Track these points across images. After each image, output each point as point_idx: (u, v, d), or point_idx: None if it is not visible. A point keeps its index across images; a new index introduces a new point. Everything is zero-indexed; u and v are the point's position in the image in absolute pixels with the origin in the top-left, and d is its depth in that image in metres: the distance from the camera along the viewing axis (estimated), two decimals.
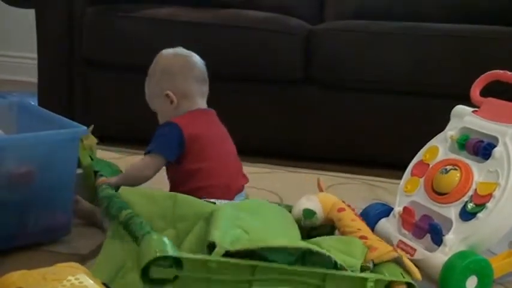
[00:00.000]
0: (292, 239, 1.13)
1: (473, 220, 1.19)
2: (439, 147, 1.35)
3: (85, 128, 1.34)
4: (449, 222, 1.22)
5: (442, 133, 1.37)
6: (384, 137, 1.99)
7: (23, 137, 1.31)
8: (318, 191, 1.35)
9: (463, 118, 1.34)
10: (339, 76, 2.00)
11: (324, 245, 1.09)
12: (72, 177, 1.35)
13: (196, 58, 1.43)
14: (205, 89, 1.42)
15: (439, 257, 1.19)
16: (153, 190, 1.24)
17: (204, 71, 1.42)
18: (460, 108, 1.37)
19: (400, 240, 1.28)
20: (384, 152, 2.00)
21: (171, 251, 0.96)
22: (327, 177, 1.85)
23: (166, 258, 0.95)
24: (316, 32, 2.02)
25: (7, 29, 3.22)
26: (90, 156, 1.46)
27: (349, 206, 1.29)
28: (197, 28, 2.03)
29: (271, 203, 1.34)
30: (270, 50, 2.00)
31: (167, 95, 1.38)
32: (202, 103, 1.41)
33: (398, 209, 1.33)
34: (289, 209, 1.34)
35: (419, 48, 1.94)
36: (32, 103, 1.71)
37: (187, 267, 0.96)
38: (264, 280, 1.01)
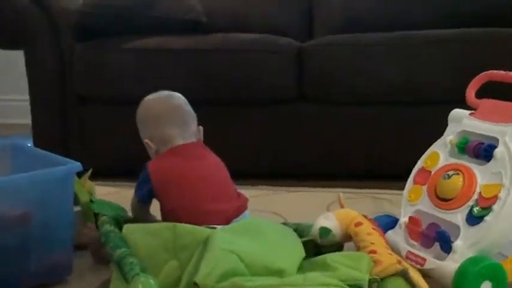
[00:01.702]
0: (293, 259, 1.11)
1: (480, 224, 1.16)
2: (440, 153, 1.32)
3: (79, 164, 1.31)
4: (456, 228, 1.20)
5: (441, 138, 1.35)
6: (382, 148, 1.98)
7: (16, 177, 1.28)
8: (339, 207, 1.34)
9: (461, 122, 1.32)
10: (332, 91, 1.99)
11: (330, 261, 1.07)
12: (69, 215, 1.33)
13: (175, 101, 1.43)
14: (187, 128, 1.40)
15: (450, 265, 1.16)
16: (154, 224, 1.25)
17: (183, 112, 1.42)
18: (456, 112, 1.35)
19: (408, 251, 1.25)
20: (385, 164, 1.98)
21: None
22: (329, 194, 1.83)
23: None
24: (306, 49, 2.01)
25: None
26: (90, 199, 1.45)
27: (368, 219, 1.27)
28: (187, 55, 2.03)
29: (272, 221, 1.32)
30: (261, 71, 2.00)
31: (146, 143, 1.41)
32: (183, 143, 1.39)
33: (403, 219, 1.31)
34: (297, 227, 1.33)
35: (410, 56, 1.94)
36: (28, 144, 1.69)
37: None
38: None
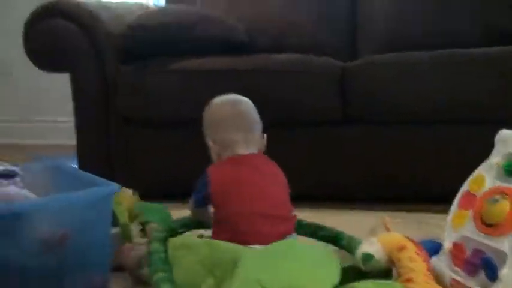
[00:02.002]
0: (323, 284, 1.07)
1: None
2: (486, 176, 1.27)
3: (117, 185, 1.31)
4: (503, 255, 1.13)
5: (487, 160, 1.29)
6: (428, 169, 1.93)
7: (54, 199, 1.28)
8: (383, 231, 1.34)
9: (509, 143, 1.26)
10: (377, 112, 1.94)
11: None
12: (107, 237, 1.32)
13: (242, 106, 1.43)
14: (250, 136, 1.40)
15: None
16: (196, 240, 1.25)
17: (248, 118, 1.41)
18: (504, 132, 1.29)
19: (453, 279, 1.20)
20: (432, 185, 1.92)
21: None
22: (373, 217, 1.79)
23: None
24: (349, 70, 1.98)
25: (41, 94, 3.31)
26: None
27: (414, 242, 1.22)
28: (229, 76, 2.02)
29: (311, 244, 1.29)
30: (304, 92, 1.97)
31: (210, 145, 1.41)
32: (245, 150, 1.38)
33: (448, 245, 1.25)
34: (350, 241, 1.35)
35: (455, 75, 1.89)
36: (71, 165, 1.70)
37: None
38: None
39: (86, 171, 2.06)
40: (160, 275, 1.17)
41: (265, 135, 1.44)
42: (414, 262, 1.17)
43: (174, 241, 1.27)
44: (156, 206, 1.57)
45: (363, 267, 1.21)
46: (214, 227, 1.31)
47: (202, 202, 1.36)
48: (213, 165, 1.37)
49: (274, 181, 1.38)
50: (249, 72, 2.01)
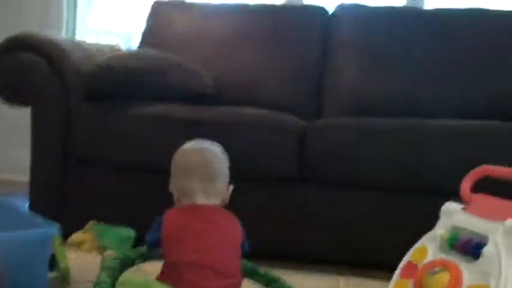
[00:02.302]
0: None
1: None
2: (428, 247, 1.27)
3: (56, 228, 1.29)
4: None
5: (431, 232, 1.30)
6: (382, 236, 1.91)
7: None
8: None
9: (453, 216, 1.27)
10: (335, 174, 1.94)
11: None
12: (44, 281, 1.29)
13: (208, 156, 1.42)
14: (211, 187, 1.39)
15: None
16: (135, 279, 1.26)
17: (212, 169, 1.40)
18: (449, 205, 1.31)
19: None
20: (382, 253, 1.90)
21: None
22: (324, 280, 1.79)
23: None
24: (311, 129, 1.98)
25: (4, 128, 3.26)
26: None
27: None
28: (190, 125, 2.01)
29: None
30: (263, 148, 1.96)
31: (171, 189, 1.42)
32: (205, 200, 1.38)
33: None
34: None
35: (417, 145, 1.89)
36: (17, 203, 1.67)
37: None
38: None
39: (37, 209, 2.07)
40: None
41: (231, 186, 1.44)
42: None
43: (120, 279, 1.26)
44: (117, 229, 1.53)
45: None
46: (163, 268, 1.32)
47: (155, 245, 1.36)
48: (169, 211, 1.37)
49: (225, 236, 1.37)
50: (212, 124, 2.01)
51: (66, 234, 1.56)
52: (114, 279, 1.27)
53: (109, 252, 1.46)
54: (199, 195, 1.37)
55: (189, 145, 1.45)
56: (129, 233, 1.53)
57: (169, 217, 1.35)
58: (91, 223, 1.51)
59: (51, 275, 1.38)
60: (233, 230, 1.39)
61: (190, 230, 1.33)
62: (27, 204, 2.13)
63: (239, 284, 1.35)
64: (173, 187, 1.41)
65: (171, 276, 1.27)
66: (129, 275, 1.30)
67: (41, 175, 2.13)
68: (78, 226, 2.07)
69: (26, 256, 1.24)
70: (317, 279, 1.81)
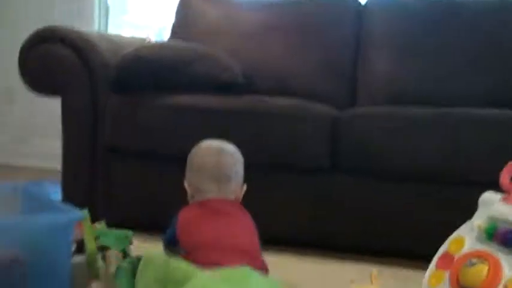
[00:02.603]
0: None
1: None
2: (466, 238, 1.22)
3: (80, 213, 1.26)
4: None
5: (468, 222, 1.24)
6: (415, 227, 1.85)
7: (10, 220, 1.23)
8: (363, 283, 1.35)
9: (491, 206, 1.21)
10: (367, 164, 1.88)
11: None
12: (68, 264, 1.27)
13: (224, 157, 1.45)
14: (226, 186, 1.43)
15: None
16: (156, 254, 1.29)
17: (227, 170, 1.44)
18: (488, 195, 1.25)
19: None
20: (416, 243, 1.85)
21: None
22: (355, 269, 1.75)
23: None
24: (342, 119, 1.93)
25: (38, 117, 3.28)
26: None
27: None
28: (218, 116, 1.98)
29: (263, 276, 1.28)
30: (293, 138, 1.92)
31: (185, 186, 1.47)
32: (217, 197, 1.43)
33: None
34: None
35: (451, 134, 1.83)
36: (42, 189, 1.66)
37: None
38: None
39: (68, 196, 2.07)
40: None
41: (244, 186, 1.47)
42: None
43: (147, 253, 1.31)
44: (115, 231, 1.53)
45: None
46: (186, 252, 1.35)
47: (172, 242, 1.40)
48: (184, 208, 1.42)
49: (241, 223, 1.40)
50: (239, 114, 1.97)
51: (95, 220, 1.56)
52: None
53: (111, 252, 1.44)
54: (213, 195, 1.42)
55: (206, 144, 1.49)
56: (127, 233, 1.55)
57: (183, 213, 1.40)
58: (96, 224, 1.50)
59: (78, 260, 1.37)
60: (248, 219, 1.42)
61: (207, 219, 1.37)
62: (59, 192, 2.12)
63: (264, 266, 1.38)
64: (188, 184, 1.46)
65: (195, 256, 1.30)
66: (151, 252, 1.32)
67: (71, 164, 2.13)
68: (107, 213, 2.08)
69: (47, 241, 1.21)
70: (345, 267, 1.79)
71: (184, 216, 1.39)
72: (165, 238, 1.44)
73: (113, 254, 1.40)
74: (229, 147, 1.48)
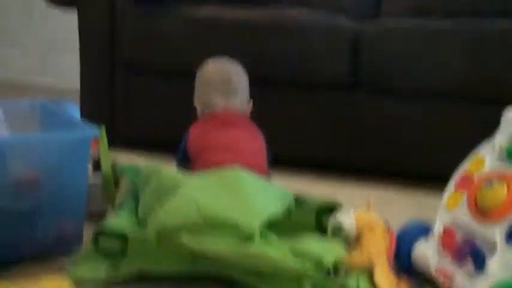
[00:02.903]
0: (259, 217, 1.11)
1: None
2: (486, 158, 1.18)
3: (97, 129, 1.25)
4: (493, 245, 1.06)
5: (490, 141, 1.20)
6: (442, 148, 1.79)
7: (27, 138, 1.23)
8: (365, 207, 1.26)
9: None
10: (389, 81, 1.82)
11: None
12: (84, 183, 1.27)
13: (228, 71, 1.52)
14: (233, 99, 1.49)
15: (480, 286, 1.03)
16: (153, 167, 1.32)
17: (232, 84, 1.50)
18: (511, 112, 1.20)
19: (438, 267, 1.12)
20: (442, 165, 1.79)
21: (115, 226, 1.15)
22: (375, 192, 1.72)
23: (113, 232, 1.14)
24: (364, 32, 1.85)
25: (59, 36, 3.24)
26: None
27: (388, 229, 1.20)
28: (238, 29, 1.93)
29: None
30: (313, 52, 1.86)
31: (195, 102, 1.54)
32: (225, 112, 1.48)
33: (438, 228, 1.17)
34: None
35: (480, 49, 1.74)
36: (60, 106, 1.65)
37: (131, 243, 1.12)
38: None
39: (87, 114, 2.06)
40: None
41: (251, 102, 1.52)
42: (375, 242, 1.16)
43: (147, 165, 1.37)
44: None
45: (330, 235, 1.20)
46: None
47: (184, 159, 1.45)
48: (193, 125, 1.48)
49: (248, 135, 1.45)
50: (260, 26, 1.92)
51: (113, 139, 1.56)
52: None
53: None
54: (221, 108, 1.47)
55: (212, 62, 1.55)
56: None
57: (193, 129, 1.47)
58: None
59: (95, 177, 1.38)
60: (256, 130, 1.48)
61: (216, 129, 1.43)
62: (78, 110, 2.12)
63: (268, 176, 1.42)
64: (197, 101, 1.53)
65: (201, 160, 1.38)
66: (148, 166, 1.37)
67: (89, 81, 2.12)
68: (127, 130, 2.08)
69: (63, 158, 1.20)
70: (357, 191, 1.74)
71: (194, 130, 1.46)
72: (177, 155, 1.48)
73: (125, 184, 1.41)
74: (234, 64, 1.54)
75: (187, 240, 1.07)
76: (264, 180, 1.30)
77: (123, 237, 1.14)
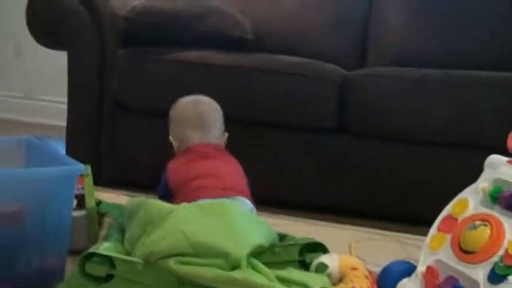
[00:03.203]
0: (245, 245, 1.11)
1: (503, 284, 1.02)
2: (470, 200, 1.19)
3: (83, 166, 1.25)
4: (476, 285, 1.06)
5: (473, 185, 1.22)
6: (421, 190, 1.84)
7: (12, 172, 1.23)
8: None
9: (497, 168, 1.19)
10: (374, 125, 1.88)
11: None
12: (67, 218, 1.26)
13: (202, 106, 1.55)
14: (208, 133, 1.52)
15: None
16: (137, 200, 1.30)
17: (206, 118, 1.53)
18: (494, 157, 1.22)
19: None
20: (422, 207, 1.82)
21: (101, 250, 1.13)
22: (356, 232, 1.71)
23: (100, 256, 1.12)
24: (351, 78, 1.91)
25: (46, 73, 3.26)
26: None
27: (370, 273, 1.22)
28: (228, 72, 1.97)
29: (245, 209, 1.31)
30: (301, 96, 1.91)
31: (171, 139, 1.56)
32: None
33: (421, 268, 1.18)
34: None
35: (460, 97, 1.81)
36: (47, 143, 1.65)
37: (118, 267, 1.10)
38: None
39: (72, 152, 2.06)
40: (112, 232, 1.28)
41: (226, 134, 1.55)
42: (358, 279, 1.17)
43: (130, 201, 1.35)
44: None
45: (313, 272, 1.20)
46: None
47: (165, 195, 1.46)
48: (171, 161, 1.51)
49: (228, 164, 1.48)
50: (248, 70, 1.97)
51: (99, 177, 1.57)
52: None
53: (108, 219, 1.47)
54: (197, 143, 1.50)
55: (184, 99, 1.58)
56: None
57: (172, 165, 1.48)
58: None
59: (78, 213, 1.37)
60: (234, 162, 1.50)
61: (194, 162, 1.45)
62: (64, 148, 2.12)
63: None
64: (173, 137, 1.55)
65: (182, 193, 1.39)
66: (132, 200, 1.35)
67: (76, 119, 2.13)
68: (112, 170, 2.07)
69: (49, 193, 1.20)
70: (341, 231, 1.73)
71: (173, 165, 1.48)
72: (158, 192, 1.50)
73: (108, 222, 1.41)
74: (205, 98, 1.58)
75: (175, 265, 1.07)
76: (250, 212, 1.32)
77: (109, 262, 1.12)
